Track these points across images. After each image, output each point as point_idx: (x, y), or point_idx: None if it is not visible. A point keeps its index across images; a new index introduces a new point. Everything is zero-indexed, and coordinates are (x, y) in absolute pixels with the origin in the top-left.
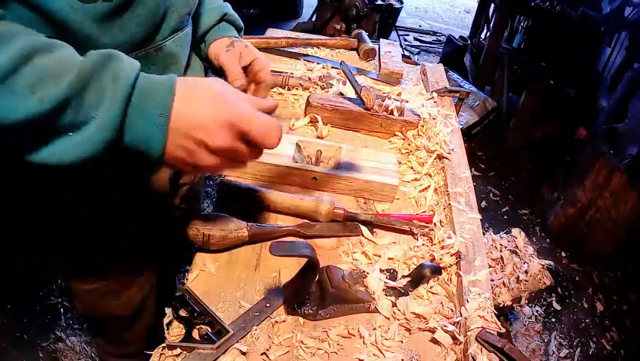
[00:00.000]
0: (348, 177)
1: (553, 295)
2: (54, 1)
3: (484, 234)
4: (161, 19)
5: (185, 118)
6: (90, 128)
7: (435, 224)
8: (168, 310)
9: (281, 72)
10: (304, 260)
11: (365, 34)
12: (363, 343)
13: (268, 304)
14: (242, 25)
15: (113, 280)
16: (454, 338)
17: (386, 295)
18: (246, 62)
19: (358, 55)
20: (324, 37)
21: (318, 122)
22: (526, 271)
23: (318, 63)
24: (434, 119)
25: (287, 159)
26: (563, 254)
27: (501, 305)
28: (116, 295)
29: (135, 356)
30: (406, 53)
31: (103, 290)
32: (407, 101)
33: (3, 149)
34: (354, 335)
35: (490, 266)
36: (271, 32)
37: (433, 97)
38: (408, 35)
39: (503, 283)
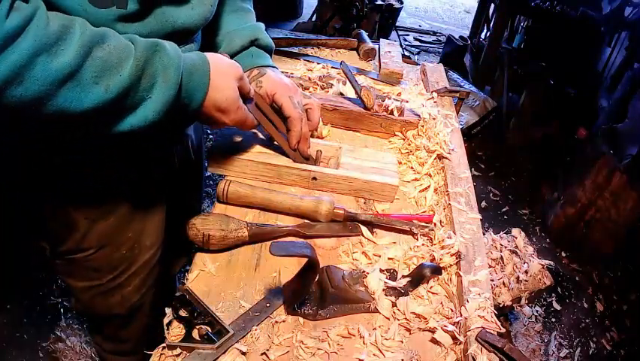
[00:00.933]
0: (348, 177)
1: (553, 295)
2: (68, 0)
3: (484, 234)
4: (174, 32)
5: (214, 92)
6: (146, 107)
7: (435, 224)
8: (168, 310)
9: (281, 72)
10: (304, 260)
11: (365, 34)
12: (363, 343)
13: (268, 304)
14: (273, 46)
15: (109, 278)
16: (454, 338)
17: (386, 295)
18: (270, 98)
19: (358, 55)
20: (324, 37)
21: (319, 116)
22: (526, 271)
23: (318, 63)
24: (434, 119)
25: (287, 159)
26: (563, 254)
27: (501, 305)
28: (112, 293)
29: (132, 354)
30: (406, 53)
31: (99, 288)
32: (407, 101)
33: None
34: (354, 335)
35: (490, 266)
36: (271, 32)
37: (433, 97)
38: (408, 35)
39: (503, 283)
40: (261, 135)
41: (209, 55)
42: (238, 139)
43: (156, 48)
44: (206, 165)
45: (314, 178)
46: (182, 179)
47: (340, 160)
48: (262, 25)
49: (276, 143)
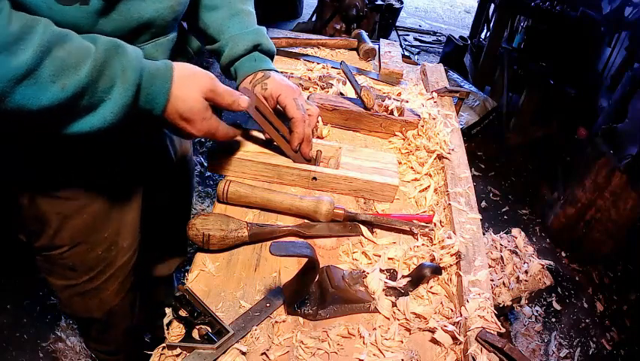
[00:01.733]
0: (348, 177)
1: (553, 295)
2: None
3: (484, 234)
4: (140, 25)
5: (176, 100)
6: (105, 108)
7: (435, 224)
8: (168, 310)
9: (281, 72)
10: (304, 260)
11: (365, 34)
12: (363, 343)
13: (268, 304)
14: (274, 51)
15: (86, 279)
16: (454, 338)
17: (386, 295)
18: (272, 104)
19: (358, 55)
20: (324, 37)
21: (318, 122)
22: (526, 271)
23: (318, 63)
24: (434, 119)
25: (287, 159)
26: (563, 254)
27: (501, 305)
28: (90, 296)
29: (116, 354)
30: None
31: (76, 288)
32: (407, 101)
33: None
34: (354, 335)
35: (490, 266)
36: (271, 32)
37: (433, 97)
38: (408, 35)
39: (503, 283)
40: (261, 136)
41: (178, 64)
42: (238, 139)
43: (117, 50)
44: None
45: (314, 178)
46: (167, 180)
47: (340, 160)
48: (264, 30)
49: (275, 144)
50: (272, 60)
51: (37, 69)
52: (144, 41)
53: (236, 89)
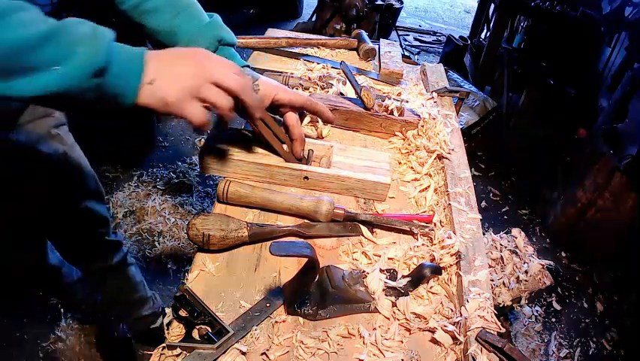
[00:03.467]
0: (340, 176)
1: (553, 295)
2: None
3: (484, 234)
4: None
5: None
6: (73, 61)
7: (435, 224)
8: (168, 310)
9: (281, 72)
10: (304, 260)
11: (365, 34)
12: (363, 343)
13: (268, 304)
14: (235, 41)
15: None
16: (454, 338)
17: (386, 295)
18: (266, 104)
19: (358, 55)
20: (324, 37)
21: (318, 122)
22: (526, 271)
23: (318, 63)
24: (434, 119)
25: (278, 158)
26: (563, 254)
27: (501, 305)
28: None
29: None
30: (406, 53)
31: None
32: (407, 101)
33: None
34: (354, 335)
35: (490, 266)
36: (271, 32)
37: (433, 97)
38: (408, 35)
39: (503, 283)
40: (251, 135)
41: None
42: (229, 139)
43: (85, 21)
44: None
45: (306, 178)
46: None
47: (332, 159)
48: (219, 18)
49: (267, 142)
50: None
51: (9, 15)
52: None
53: None
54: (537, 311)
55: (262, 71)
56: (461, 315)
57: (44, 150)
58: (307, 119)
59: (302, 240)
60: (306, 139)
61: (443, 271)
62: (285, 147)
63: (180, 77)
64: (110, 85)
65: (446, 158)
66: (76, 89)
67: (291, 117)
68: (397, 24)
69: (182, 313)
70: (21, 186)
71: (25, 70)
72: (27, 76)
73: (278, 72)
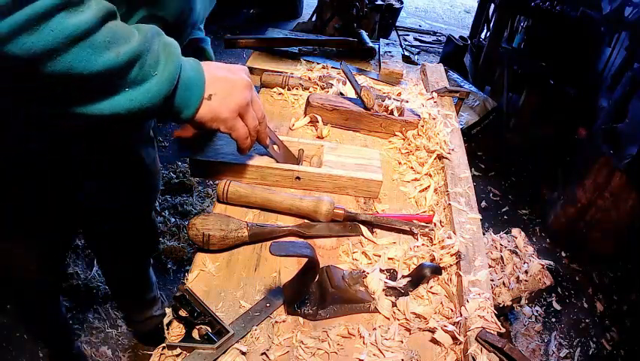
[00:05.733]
0: (331, 175)
1: (553, 295)
2: None
3: (484, 234)
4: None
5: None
6: (150, 83)
7: (435, 224)
8: (168, 310)
9: (281, 72)
10: (304, 260)
11: (365, 34)
12: (363, 343)
13: (268, 304)
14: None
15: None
16: (454, 338)
17: (386, 295)
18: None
19: (358, 55)
20: (324, 37)
21: (318, 122)
22: (526, 271)
23: (318, 63)
24: (434, 119)
25: (269, 159)
26: (563, 254)
27: (501, 305)
28: None
29: None
30: (406, 53)
31: None
32: (407, 101)
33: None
34: (354, 335)
35: (490, 266)
36: (271, 32)
37: (433, 97)
38: (408, 35)
39: (503, 283)
40: None
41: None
42: (217, 142)
43: (158, 32)
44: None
45: (297, 178)
46: None
47: (323, 158)
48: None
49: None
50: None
51: (93, 33)
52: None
53: None
54: (537, 311)
55: (262, 71)
56: (461, 315)
57: (146, 153)
58: (307, 119)
59: (302, 240)
60: (296, 139)
61: (443, 271)
62: (275, 147)
63: (233, 95)
64: (177, 100)
65: (446, 158)
66: (151, 105)
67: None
68: (397, 24)
69: (182, 313)
70: (116, 182)
71: (112, 90)
72: (112, 95)
73: (278, 72)
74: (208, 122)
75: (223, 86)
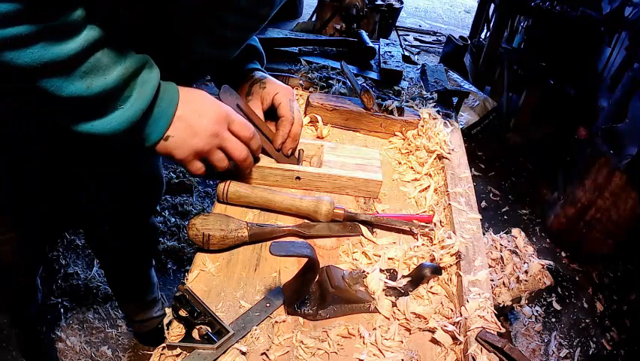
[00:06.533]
0: (331, 175)
1: (553, 295)
2: None
3: (484, 234)
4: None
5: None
6: (113, 115)
7: (435, 224)
8: (168, 310)
9: (281, 72)
10: (304, 260)
11: (365, 34)
12: (363, 343)
13: (268, 304)
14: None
15: None
16: (454, 338)
17: (386, 295)
18: (268, 103)
19: (358, 55)
20: (324, 37)
21: (318, 122)
22: (526, 271)
23: (318, 63)
24: (434, 119)
25: (269, 159)
26: (563, 254)
27: (501, 305)
28: None
29: None
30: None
31: None
32: (407, 101)
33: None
34: (354, 335)
35: (490, 266)
36: (271, 32)
37: (433, 97)
38: (408, 35)
39: (503, 283)
40: None
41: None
42: None
43: (145, 65)
44: None
45: (297, 178)
46: None
47: (323, 158)
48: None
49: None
50: (262, 63)
51: (73, 62)
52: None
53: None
54: (537, 311)
55: None
56: (461, 315)
57: (147, 160)
58: (307, 119)
59: (302, 240)
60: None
61: (443, 271)
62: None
63: (194, 140)
64: (138, 132)
65: (446, 158)
66: (111, 135)
67: (288, 115)
68: (397, 24)
69: (182, 313)
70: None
71: (75, 113)
72: (75, 118)
73: (278, 72)
74: (164, 156)
75: (183, 130)
